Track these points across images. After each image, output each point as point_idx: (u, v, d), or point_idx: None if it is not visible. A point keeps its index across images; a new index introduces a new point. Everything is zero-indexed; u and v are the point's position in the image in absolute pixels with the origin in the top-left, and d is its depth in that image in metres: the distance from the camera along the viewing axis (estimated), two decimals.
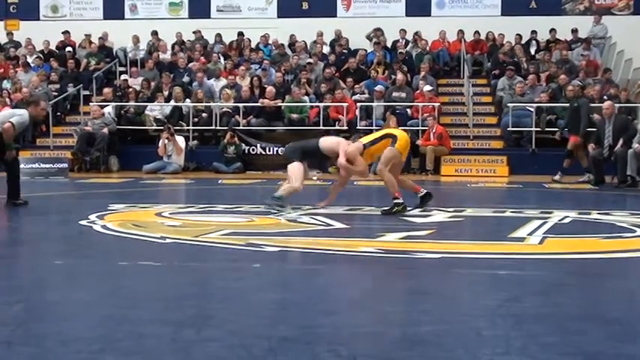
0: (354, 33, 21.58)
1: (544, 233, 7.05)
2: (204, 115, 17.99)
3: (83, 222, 7.73)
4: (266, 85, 18.57)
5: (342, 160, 8.86)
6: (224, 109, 17.98)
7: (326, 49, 21.30)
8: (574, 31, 20.70)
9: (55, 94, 19.63)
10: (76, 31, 22.82)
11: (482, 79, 20.68)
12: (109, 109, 18.07)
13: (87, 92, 20.18)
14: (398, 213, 8.38)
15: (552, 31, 20.81)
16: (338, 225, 7.60)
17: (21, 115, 9.40)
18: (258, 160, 17.19)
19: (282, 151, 9.16)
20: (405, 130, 16.65)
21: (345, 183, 9.38)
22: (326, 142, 9.17)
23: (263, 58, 20.74)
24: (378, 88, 17.93)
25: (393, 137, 8.96)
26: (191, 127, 17.85)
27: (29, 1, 23.91)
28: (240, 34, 22.08)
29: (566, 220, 8.13)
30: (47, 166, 16.05)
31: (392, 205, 8.49)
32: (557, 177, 14.50)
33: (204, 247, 6.31)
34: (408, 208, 8.67)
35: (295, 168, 8.87)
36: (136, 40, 22.20)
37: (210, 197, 11.64)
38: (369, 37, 21.48)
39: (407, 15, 22.32)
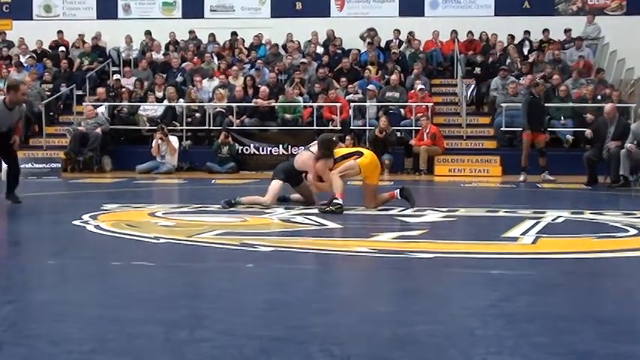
0: (347, 33, 21.58)
1: (537, 233, 7.06)
2: (197, 115, 17.98)
3: (76, 222, 7.72)
4: (259, 85, 18.56)
5: (309, 177, 9.06)
6: (217, 109, 17.97)
7: (319, 49, 21.29)
8: (567, 31, 20.74)
9: (48, 93, 19.59)
10: (69, 30, 22.76)
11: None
12: (103, 109, 18.05)
13: (80, 92, 20.12)
14: (332, 212, 8.36)
15: (545, 31, 20.84)
16: (331, 225, 7.60)
17: None
18: (251, 160, 17.18)
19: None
20: (398, 131, 16.94)
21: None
22: (297, 161, 9.29)
23: (257, 58, 20.73)
24: (370, 87, 17.96)
25: (360, 154, 9.06)
26: (184, 127, 17.83)
27: (22, 0, 23.84)
28: (234, 34, 22.07)
29: (559, 220, 8.14)
30: (40, 166, 15.99)
31: (331, 203, 8.53)
32: (522, 177, 14.56)
33: (198, 247, 6.30)
34: (402, 209, 8.68)
35: (274, 184, 9.10)
36: (129, 39, 22.16)
37: (203, 197, 11.62)
38: (362, 37, 21.49)
39: (400, 15, 22.32)
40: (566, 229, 7.57)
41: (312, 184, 9.09)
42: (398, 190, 9.06)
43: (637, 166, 13.25)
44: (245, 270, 5.34)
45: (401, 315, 4.04)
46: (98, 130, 17.12)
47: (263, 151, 17.18)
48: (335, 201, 8.55)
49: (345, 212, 8.50)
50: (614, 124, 13.55)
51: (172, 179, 15.22)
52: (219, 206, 9.00)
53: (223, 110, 17.97)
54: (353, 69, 19.62)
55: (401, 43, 21.28)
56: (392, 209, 9.00)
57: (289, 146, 16.89)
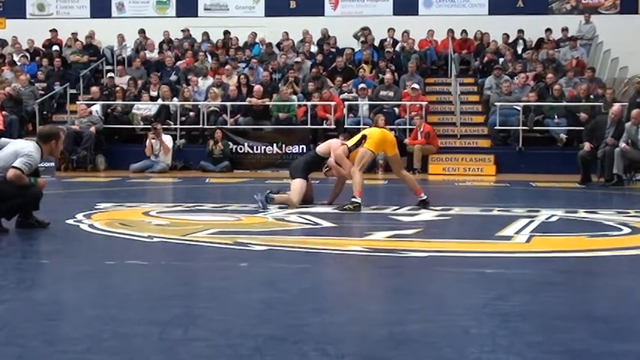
0: (341, 32, 21.58)
1: (531, 232, 7.08)
2: (191, 114, 17.95)
3: (70, 221, 7.70)
4: (253, 84, 18.54)
5: (331, 160, 9.16)
6: (211, 108, 17.95)
7: (314, 48, 21.29)
8: (564, 30, 20.75)
9: (42, 92, 19.52)
10: (63, 29, 22.68)
11: (469, 77, 20.71)
12: (97, 108, 18.00)
13: (74, 91, 20.07)
14: (350, 211, 8.46)
15: (539, 30, 20.85)
16: (326, 224, 7.60)
17: (29, 155, 7.08)
18: (245, 158, 17.16)
19: (289, 171, 9.49)
20: (392, 129, 16.91)
21: (343, 182, 9.39)
22: (321, 148, 9.48)
23: (251, 56, 20.71)
24: (361, 86, 17.97)
25: (364, 137, 9.11)
26: (178, 126, 17.80)
27: None
28: (227, 32, 22.04)
29: (553, 219, 8.15)
30: None
31: (350, 202, 8.60)
32: None
33: (192, 246, 6.30)
34: (396, 208, 8.68)
35: (297, 183, 9.06)
36: (123, 38, 22.12)
37: (197, 196, 11.61)
38: (356, 36, 21.49)
39: (394, 14, 22.32)
40: (560, 228, 7.58)
41: (331, 166, 9.18)
42: (423, 197, 8.99)
43: (631, 165, 13.27)
44: (239, 269, 5.34)
45: (395, 314, 4.05)
46: (92, 128, 17.08)
47: (257, 150, 17.16)
48: (353, 200, 8.63)
49: (339, 211, 8.50)
50: (614, 125, 13.50)
51: (166, 178, 15.18)
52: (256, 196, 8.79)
53: (217, 109, 17.95)
54: (347, 68, 19.61)
55: (395, 41, 21.28)
56: (386, 208, 9.01)
57: (283, 145, 16.88)
